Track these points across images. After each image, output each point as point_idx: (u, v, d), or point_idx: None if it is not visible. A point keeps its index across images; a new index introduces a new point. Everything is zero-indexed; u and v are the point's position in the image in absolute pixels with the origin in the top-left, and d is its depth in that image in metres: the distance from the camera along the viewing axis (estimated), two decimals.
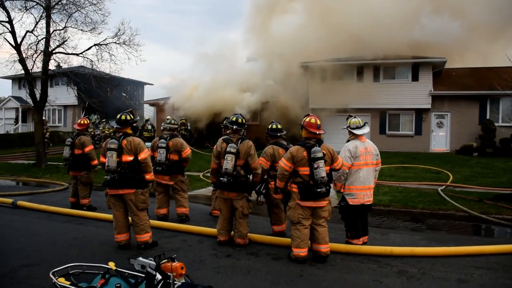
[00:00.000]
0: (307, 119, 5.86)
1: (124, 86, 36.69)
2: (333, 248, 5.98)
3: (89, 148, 9.20)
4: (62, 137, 26.95)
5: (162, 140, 8.20)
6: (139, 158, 6.23)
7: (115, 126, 6.41)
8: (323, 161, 5.53)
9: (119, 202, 6.31)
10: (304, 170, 5.68)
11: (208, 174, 13.31)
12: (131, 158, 6.20)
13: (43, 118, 25.48)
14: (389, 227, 8.39)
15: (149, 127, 24.71)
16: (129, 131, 6.42)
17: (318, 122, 5.81)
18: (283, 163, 5.79)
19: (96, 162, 9.25)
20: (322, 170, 5.49)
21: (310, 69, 23.91)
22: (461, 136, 22.34)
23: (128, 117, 6.40)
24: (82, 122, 9.56)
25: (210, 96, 23.48)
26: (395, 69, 23.63)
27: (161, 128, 8.65)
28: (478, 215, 8.56)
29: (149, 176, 6.37)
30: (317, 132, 5.75)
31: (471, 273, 5.29)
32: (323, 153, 5.58)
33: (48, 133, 23.68)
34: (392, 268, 5.47)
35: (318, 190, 5.57)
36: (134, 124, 6.58)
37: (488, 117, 22.08)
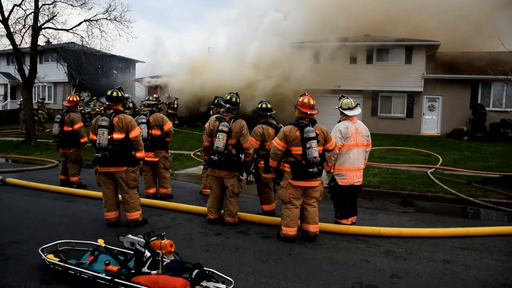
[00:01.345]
0: (301, 99, 5.84)
1: (115, 64, 36.26)
2: (322, 227, 6.03)
3: (78, 125, 9.11)
4: (52, 115, 26.67)
5: (142, 116, 8.16)
6: (130, 136, 6.19)
7: (106, 103, 6.34)
8: (315, 141, 5.52)
9: (109, 179, 6.29)
10: (297, 150, 5.68)
11: (199, 153, 13.30)
12: (122, 136, 6.16)
13: (41, 99, 25.24)
14: (378, 208, 8.47)
15: (130, 105, 24.61)
16: (120, 108, 6.37)
17: (312, 102, 5.78)
18: (276, 143, 5.79)
19: (85, 139, 9.18)
20: (314, 150, 5.49)
21: (303, 49, 23.72)
22: (452, 119, 22.51)
23: (119, 94, 6.34)
24: (71, 99, 9.45)
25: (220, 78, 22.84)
26: (388, 51, 23.56)
27: (139, 105, 8.76)
28: (466, 198, 8.67)
29: (140, 154, 6.35)
30: (309, 112, 5.73)
31: (456, 253, 5.38)
32: (316, 133, 5.58)
33: (43, 113, 23.35)
34: (379, 248, 5.54)
35: (310, 170, 5.59)
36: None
37: (479, 101, 22.21)
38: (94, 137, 6.20)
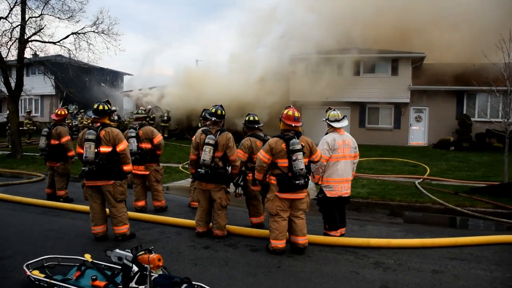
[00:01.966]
0: (285, 111, 5.86)
1: (103, 76, 36.12)
2: (311, 239, 6.02)
3: (65, 138, 9.02)
4: (39, 128, 26.40)
5: (132, 130, 8.13)
6: (117, 149, 6.14)
7: (92, 116, 6.29)
8: (301, 153, 5.54)
9: (96, 193, 6.22)
10: (283, 162, 5.69)
11: (187, 166, 13.24)
12: (109, 149, 6.11)
13: (27, 111, 25.04)
14: (367, 219, 8.49)
15: (115, 117, 24.48)
16: (107, 121, 6.32)
17: (296, 115, 5.81)
18: (262, 155, 5.79)
19: (73, 153, 9.10)
20: (300, 162, 5.50)
21: (291, 61, 23.88)
22: (439, 130, 22.77)
23: (106, 107, 6.29)
24: (59, 112, 9.37)
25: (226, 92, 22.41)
26: (375, 63, 23.83)
27: (126, 118, 8.68)
28: (454, 208, 8.74)
29: (128, 168, 6.29)
30: (293, 125, 5.75)
31: (445, 264, 5.40)
32: (301, 145, 5.59)
33: (29, 125, 23.18)
34: (369, 260, 5.54)
35: (296, 182, 5.59)
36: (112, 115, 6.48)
37: (465, 112, 22.52)
38: (81, 151, 6.14)
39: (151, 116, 24.46)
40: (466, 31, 22.46)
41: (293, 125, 5.75)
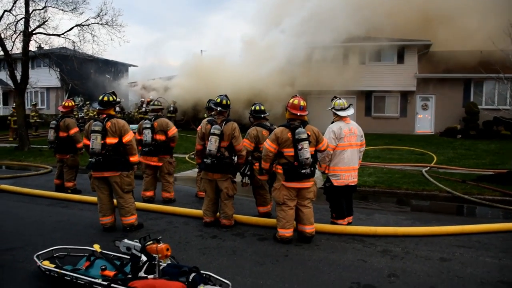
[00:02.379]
0: (291, 101, 5.84)
1: (108, 68, 36.12)
2: (318, 228, 6.03)
3: (74, 130, 9.07)
4: (46, 120, 26.51)
5: (147, 121, 8.14)
6: (123, 140, 6.15)
7: (97, 108, 6.31)
8: (307, 142, 5.53)
9: (103, 184, 6.25)
10: (289, 151, 5.68)
11: (194, 156, 13.27)
12: (115, 140, 6.12)
13: (34, 102, 25.11)
14: (374, 207, 8.49)
15: (117, 109, 24.42)
16: (112, 112, 6.33)
17: (302, 104, 5.78)
18: (268, 144, 5.78)
19: (81, 144, 9.11)
20: (306, 151, 5.50)
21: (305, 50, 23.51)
22: (446, 118, 22.62)
23: (111, 98, 6.29)
24: (67, 104, 9.39)
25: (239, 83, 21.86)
26: (380, 52, 23.63)
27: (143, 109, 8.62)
28: (461, 196, 8.70)
29: (134, 158, 6.30)
30: (299, 114, 5.73)
31: (453, 251, 5.39)
32: (307, 134, 5.58)
33: (36, 118, 23.26)
34: (376, 248, 5.55)
35: (302, 171, 5.59)
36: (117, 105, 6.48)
37: (472, 99, 22.34)
38: (88, 142, 6.16)
39: (147, 109, 24.16)
40: (473, 18, 22.12)
41: (298, 114, 5.73)
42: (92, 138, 6.03)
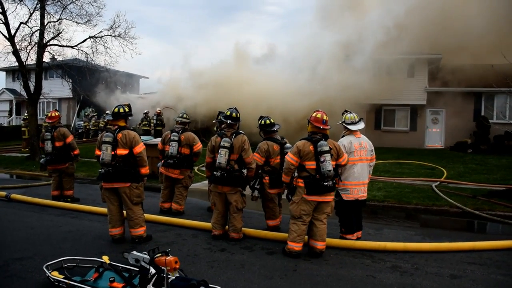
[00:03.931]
0: (314, 114, 5.87)
1: (119, 79, 36.48)
2: (327, 243, 5.99)
3: (70, 138, 9.23)
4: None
5: (174, 134, 8.19)
6: (134, 152, 6.19)
7: (107, 119, 6.38)
8: (329, 154, 5.54)
9: (113, 195, 6.29)
10: (311, 164, 5.68)
11: (203, 168, 13.28)
12: (126, 151, 6.16)
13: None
14: (383, 222, 8.42)
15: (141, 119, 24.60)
16: (123, 123, 6.37)
17: (325, 118, 5.81)
18: (290, 158, 5.79)
19: (78, 151, 9.35)
20: (328, 163, 5.50)
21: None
22: (456, 132, 22.42)
23: (122, 110, 6.35)
24: (52, 114, 9.43)
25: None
26: (390, 65, 23.52)
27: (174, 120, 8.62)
28: (472, 211, 8.60)
29: (145, 170, 6.33)
30: (322, 127, 5.75)
31: (463, 268, 5.33)
32: (329, 147, 5.59)
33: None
34: (385, 264, 5.50)
35: (324, 183, 5.58)
36: (129, 117, 6.53)
37: (483, 114, 22.17)
38: (99, 153, 6.22)
39: (150, 121, 23.93)
40: (484, 31, 21.97)
41: (321, 127, 5.76)
42: (103, 149, 6.09)
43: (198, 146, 8.28)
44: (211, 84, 23.58)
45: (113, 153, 6.11)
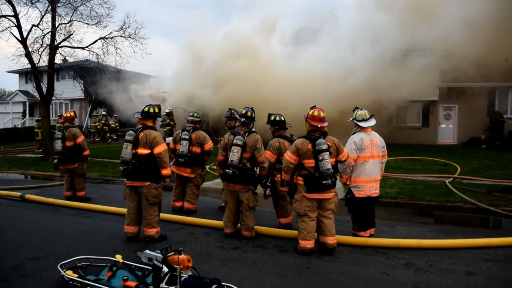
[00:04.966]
0: (311, 112, 5.83)
1: (130, 79, 36.63)
2: (340, 240, 5.97)
3: (81, 138, 9.29)
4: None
5: (185, 132, 8.21)
6: (154, 152, 6.21)
7: (136, 117, 6.43)
8: (328, 153, 5.51)
9: (134, 194, 6.34)
10: (309, 163, 5.66)
11: (214, 167, 13.30)
12: (147, 151, 6.18)
13: (60, 114, 25.54)
14: (396, 219, 8.35)
15: (114, 121, 25.22)
16: (150, 123, 6.41)
17: (322, 115, 5.77)
18: (288, 156, 5.78)
19: (88, 152, 9.42)
20: (327, 162, 5.48)
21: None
22: (469, 128, 22.11)
23: (151, 110, 6.40)
24: (66, 115, 9.59)
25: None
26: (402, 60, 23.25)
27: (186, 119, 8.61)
28: (487, 207, 8.50)
29: (166, 171, 6.33)
30: (319, 125, 5.72)
31: (479, 265, 5.25)
32: (328, 145, 5.56)
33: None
34: (399, 261, 5.45)
35: (323, 182, 5.56)
36: (158, 118, 6.58)
37: (496, 108, 21.85)
38: None
39: (164, 120, 23.38)
40: (497, 25, 21.59)
41: (319, 125, 5.72)
42: (124, 147, 6.16)
43: (209, 144, 8.29)
44: (230, 80, 21.58)
45: (134, 151, 6.15)
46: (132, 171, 6.16)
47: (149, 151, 6.19)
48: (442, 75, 21.58)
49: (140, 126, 6.34)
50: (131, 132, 6.26)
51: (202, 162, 8.38)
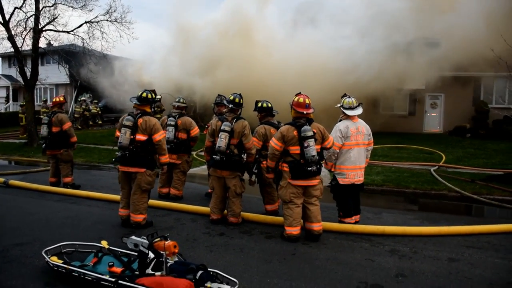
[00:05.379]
0: (296, 99, 5.82)
1: (116, 64, 36.12)
2: (326, 227, 6.01)
3: (68, 125, 9.10)
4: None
5: (171, 118, 8.15)
6: (153, 139, 6.16)
7: (134, 103, 6.33)
8: (313, 139, 5.52)
9: (127, 179, 6.30)
10: (295, 149, 5.67)
11: (202, 153, 13.27)
12: (144, 137, 6.14)
13: (44, 99, 25.15)
14: (382, 206, 8.44)
15: (90, 106, 25.17)
16: (148, 109, 6.34)
17: (307, 102, 5.76)
18: (274, 143, 5.78)
19: (75, 139, 9.27)
20: (312, 148, 5.49)
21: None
22: (455, 117, 22.36)
23: (149, 95, 6.32)
24: (55, 99, 9.42)
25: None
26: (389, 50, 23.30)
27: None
28: (470, 196, 8.63)
29: (164, 159, 6.31)
30: (305, 112, 5.71)
31: (461, 252, 5.35)
32: (313, 131, 5.56)
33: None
34: (384, 247, 5.52)
35: (308, 168, 5.57)
36: (154, 104, 6.51)
37: (482, 98, 22.09)
38: (119, 135, 6.20)
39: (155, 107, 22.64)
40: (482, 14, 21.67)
41: (304, 112, 5.71)
42: (122, 133, 6.07)
43: (195, 130, 8.24)
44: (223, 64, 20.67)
45: (132, 137, 6.08)
46: (128, 157, 6.11)
47: (147, 137, 6.14)
48: (429, 65, 21.67)
49: (138, 111, 6.25)
50: (129, 117, 6.15)
51: (188, 148, 8.33)
